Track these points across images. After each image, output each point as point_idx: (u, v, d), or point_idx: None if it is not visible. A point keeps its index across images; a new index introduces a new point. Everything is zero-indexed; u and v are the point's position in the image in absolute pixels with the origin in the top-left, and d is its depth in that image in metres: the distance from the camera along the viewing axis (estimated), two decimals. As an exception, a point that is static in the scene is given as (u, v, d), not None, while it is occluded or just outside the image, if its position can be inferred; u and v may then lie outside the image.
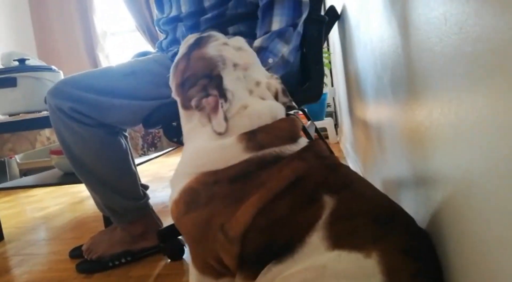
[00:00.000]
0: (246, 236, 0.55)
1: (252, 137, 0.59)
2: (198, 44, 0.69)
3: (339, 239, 0.50)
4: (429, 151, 0.53)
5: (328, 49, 2.77)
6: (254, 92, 0.65)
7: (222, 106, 0.60)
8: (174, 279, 1.00)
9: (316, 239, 0.51)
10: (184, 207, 0.60)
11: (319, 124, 2.69)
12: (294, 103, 0.70)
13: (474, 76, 0.36)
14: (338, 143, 2.88)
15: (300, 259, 0.51)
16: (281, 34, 0.86)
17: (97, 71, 1.06)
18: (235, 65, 0.66)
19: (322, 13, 1.17)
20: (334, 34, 2.18)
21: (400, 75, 0.66)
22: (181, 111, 0.70)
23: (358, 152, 1.63)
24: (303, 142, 0.64)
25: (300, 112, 1.71)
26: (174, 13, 1.06)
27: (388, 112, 0.81)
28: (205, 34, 0.70)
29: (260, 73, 0.69)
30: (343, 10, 1.49)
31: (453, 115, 0.42)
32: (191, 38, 0.73)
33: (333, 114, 3.19)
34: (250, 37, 1.04)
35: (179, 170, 0.65)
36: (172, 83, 0.72)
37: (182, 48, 0.73)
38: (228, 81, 0.63)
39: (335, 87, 2.89)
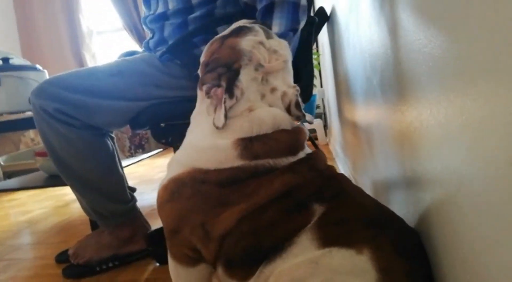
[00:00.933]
0: (227, 239, 0.56)
1: (248, 146, 0.58)
2: (238, 32, 0.67)
3: (329, 239, 0.50)
4: (418, 152, 0.53)
5: (317, 51, 2.78)
6: (266, 98, 0.64)
7: (225, 102, 0.59)
8: (162, 283, 0.98)
9: (305, 239, 0.51)
10: (169, 194, 0.61)
11: (308, 125, 2.69)
12: (308, 119, 0.68)
13: (463, 77, 0.35)
14: (327, 144, 2.89)
15: (288, 258, 0.51)
16: (282, 38, 0.86)
17: (83, 71, 1.04)
18: (258, 66, 0.64)
19: (312, 14, 1.17)
20: (323, 35, 2.18)
21: (390, 77, 0.66)
22: (198, 90, 0.69)
23: (347, 154, 1.64)
24: (302, 154, 0.62)
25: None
26: (161, 9, 1.04)
27: (377, 113, 0.82)
28: (249, 25, 0.69)
29: (282, 81, 0.66)
30: (333, 11, 1.50)
31: (442, 116, 0.42)
32: (239, 23, 0.71)
33: (322, 116, 3.20)
34: None
35: (178, 155, 0.65)
36: (201, 59, 0.71)
37: (227, 30, 0.71)
38: (244, 79, 0.62)
39: (324, 88, 2.91)
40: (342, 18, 1.23)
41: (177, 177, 0.61)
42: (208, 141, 0.61)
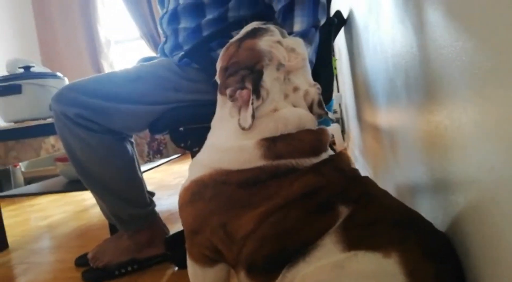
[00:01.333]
0: (249, 243, 0.55)
1: (271, 146, 0.58)
2: (254, 34, 0.67)
3: (354, 242, 0.49)
4: (449, 153, 0.51)
5: (334, 55, 2.76)
6: (289, 98, 0.63)
7: (252, 103, 0.58)
8: (181, 288, 0.97)
9: (329, 243, 0.50)
10: (190, 196, 0.61)
11: (325, 130, 2.66)
12: (330, 116, 0.68)
13: (499, 71, 0.34)
14: (345, 149, 2.86)
15: (312, 262, 0.50)
16: (304, 35, 0.85)
17: (102, 76, 1.05)
18: (279, 66, 0.63)
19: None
20: (340, 39, 2.16)
21: (416, 76, 0.64)
22: (218, 95, 0.68)
23: (367, 158, 1.61)
24: (325, 155, 0.61)
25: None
26: (172, 5, 1.05)
27: (401, 114, 0.79)
28: (264, 26, 0.68)
29: (303, 79, 0.66)
30: (350, 14, 1.48)
31: (476, 114, 0.40)
32: (253, 25, 0.71)
33: (340, 121, 3.17)
34: None
35: (199, 157, 0.65)
36: (218, 65, 0.71)
37: (240, 33, 0.71)
38: (268, 80, 0.62)
39: (342, 93, 2.88)
40: (361, 20, 1.21)
41: (199, 179, 0.61)
42: (231, 142, 0.60)
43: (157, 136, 1.57)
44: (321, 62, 0.98)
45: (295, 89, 0.64)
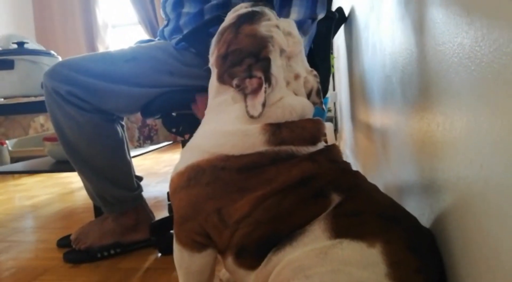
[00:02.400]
0: (242, 227, 0.55)
1: (276, 132, 0.58)
2: (251, 18, 0.65)
3: (341, 230, 0.49)
4: (438, 151, 0.51)
5: (332, 53, 2.76)
6: (290, 85, 0.63)
7: (265, 91, 0.58)
8: (164, 273, 0.97)
9: (318, 229, 0.50)
10: (185, 180, 0.59)
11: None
12: (324, 106, 0.68)
13: (499, 68, 0.34)
14: (335, 148, 2.87)
15: (298, 247, 0.50)
16: (299, 25, 0.84)
17: (97, 55, 1.03)
18: (282, 52, 0.63)
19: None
20: (339, 37, 2.16)
21: (412, 72, 0.64)
22: (214, 83, 0.67)
23: (358, 157, 1.61)
24: (321, 145, 0.62)
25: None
26: None
27: (395, 113, 0.79)
28: (258, 9, 0.67)
29: (302, 65, 0.66)
30: (351, 12, 1.48)
31: (468, 112, 0.40)
32: (242, 7, 0.69)
33: (333, 119, 3.17)
34: None
35: (195, 142, 0.64)
36: (213, 53, 0.68)
37: (230, 17, 0.69)
38: (274, 67, 0.61)
39: (337, 91, 2.88)
40: (362, 18, 1.21)
41: (195, 164, 0.59)
42: (236, 125, 0.59)
43: (149, 121, 1.55)
44: (319, 56, 0.98)
45: (296, 76, 0.64)
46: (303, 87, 0.65)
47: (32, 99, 1.42)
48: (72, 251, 1.11)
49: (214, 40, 0.70)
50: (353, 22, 1.43)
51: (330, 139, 2.87)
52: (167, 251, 1.09)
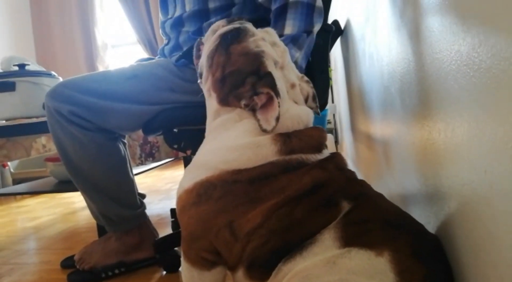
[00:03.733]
0: (254, 239, 0.54)
1: (287, 141, 0.59)
2: (237, 37, 0.64)
3: (350, 239, 0.49)
4: (441, 158, 0.51)
5: (329, 66, 2.79)
6: (289, 94, 0.64)
7: (279, 105, 0.59)
8: (169, 292, 0.96)
9: (328, 238, 0.50)
10: (195, 197, 0.59)
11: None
12: (318, 110, 0.70)
13: (492, 75, 0.34)
14: (337, 159, 2.86)
15: (308, 257, 0.50)
16: (294, 39, 0.85)
17: (98, 74, 1.04)
18: (276, 63, 0.64)
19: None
20: (336, 50, 2.19)
21: (410, 81, 0.64)
22: (214, 107, 0.66)
23: (360, 167, 1.61)
24: (326, 153, 0.63)
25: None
26: (178, 12, 1.05)
27: (395, 122, 0.80)
28: (239, 26, 0.66)
29: (293, 73, 0.68)
30: (347, 24, 1.50)
31: (469, 118, 0.40)
32: (221, 26, 0.69)
33: (333, 131, 3.18)
34: None
35: (201, 159, 0.63)
36: (207, 79, 0.67)
37: (213, 38, 0.68)
38: (277, 80, 0.61)
39: (336, 103, 2.90)
40: (358, 29, 1.23)
41: (204, 180, 0.59)
42: (247, 139, 0.59)
43: (150, 138, 1.56)
44: (318, 69, 0.99)
45: (292, 85, 0.65)
46: (300, 95, 0.66)
47: (34, 120, 1.43)
48: (76, 271, 1.10)
49: (204, 65, 0.68)
50: (349, 34, 1.45)
51: (331, 150, 2.87)
52: (172, 269, 1.08)
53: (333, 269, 0.47)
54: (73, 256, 1.16)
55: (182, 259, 0.62)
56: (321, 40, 0.95)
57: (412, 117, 0.66)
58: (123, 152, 1.08)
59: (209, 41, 0.69)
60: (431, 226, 0.58)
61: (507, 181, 0.33)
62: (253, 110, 0.61)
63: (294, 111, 0.62)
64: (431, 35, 0.51)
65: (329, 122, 3.15)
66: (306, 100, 0.68)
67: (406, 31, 0.64)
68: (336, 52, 2.23)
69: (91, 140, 0.99)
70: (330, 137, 2.90)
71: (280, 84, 0.62)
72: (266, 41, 0.66)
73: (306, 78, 0.69)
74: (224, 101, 0.64)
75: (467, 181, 0.43)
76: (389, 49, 0.79)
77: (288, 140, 0.59)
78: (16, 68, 1.54)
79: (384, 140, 0.96)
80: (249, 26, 0.67)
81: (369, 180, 1.32)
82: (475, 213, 0.42)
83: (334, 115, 3.16)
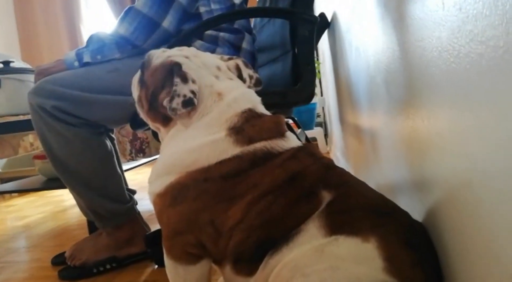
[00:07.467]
0: (236, 234, 0.55)
1: (239, 130, 0.59)
2: (143, 67, 0.69)
3: (336, 227, 0.50)
4: (428, 148, 0.52)
5: (318, 59, 2.80)
6: (220, 76, 0.66)
7: (176, 85, 0.60)
8: (161, 286, 0.96)
9: (312, 227, 0.51)
10: (170, 199, 0.59)
11: (309, 133, 2.68)
12: (258, 75, 0.71)
13: (473, 65, 0.35)
14: (328, 152, 2.88)
15: (295, 247, 0.50)
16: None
17: (79, 70, 1.03)
18: (187, 57, 0.66)
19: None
20: (323, 43, 2.19)
21: (395, 71, 0.65)
22: (163, 132, 0.68)
23: (349, 159, 1.63)
24: (291, 136, 0.63)
25: (291, 121, 1.70)
26: None
27: (382, 113, 0.81)
28: (144, 57, 0.71)
29: (212, 57, 0.70)
30: (334, 17, 1.51)
31: (452, 104, 0.41)
32: (137, 75, 0.74)
33: (323, 124, 3.20)
34: (229, 32, 1.04)
35: (160, 169, 0.63)
36: (144, 115, 0.71)
37: (135, 84, 0.73)
38: (191, 70, 0.63)
39: (325, 97, 2.91)
40: (344, 22, 1.23)
41: (175, 182, 0.59)
42: (201, 139, 0.60)
43: (140, 134, 1.55)
44: (304, 61, 0.99)
45: (218, 68, 0.67)
46: (229, 72, 0.68)
47: (21, 117, 1.41)
48: (68, 268, 1.09)
49: (138, 108, 0.72)
50: (336, 27, 1.46)
51: (321, 144, 2.88)
52: (164, 263, 1.08)
53: (321, 257, 0.47)
54: (64, 253, 1.16)
55: (165, 256, 0.62)
56: (306, 32, 0.95)
57: (397, 106, 0.66)
58: (109, 147, 1.07)
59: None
60: (417, 213, 0.59)
61: (490, 166, 0.34)
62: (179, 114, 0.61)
63: (227, 95, 0.62)
64: (413, 23, 0.52)
65: (319, 116, 3.16)
66: (240, 72, 0.69)
67: (390, 20, 0.65)
68: (324, 46, 2.24)
69: (76, 135, 0.99)
70: (319, 131, 2.92)
71: (197, 73, 0.63)
72: (169, 50, 0.69)
73: (226, 56, 0.72)
74: (164, 120, 0.66)
75: (450, 167, 0.44)
76: (374, 40, 0.80)
77: (240, 129, 0.59)
78: (1, 65, 1.52)
79: (371, 130, 0.97)
80: (153, 51, 0.71)
81: (358, 171, 1.34)
82: (459, 199, 0.43)
83: (323, 108, 3.17)
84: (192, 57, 0.66)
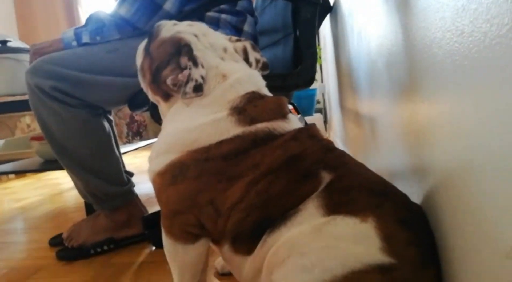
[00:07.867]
0: (235, 213, 0.55)
1: (241, 110, 0.59)
2: (151, 37, 0.68)
3: (334, 206, 0.50)
4: (427, 132, 0.51)
5: (319, 44, 2.77)
6: (226, 58, 0.65)
7: (190, 68, 0.59)
8: (158, 267, 0.96)
9: (311, 207, 0.51)
10: (170, 178, 0.59)
11: (308, 119, 2.67)
12: (265, 59, 0.70)
13: (476, 44, 0.34)
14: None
15: (293, 226, 0.50)
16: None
17: (78, 50, 1.02)
18: (196, 36, 0.65)
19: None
20: (325, 28, 2.17)
21: (397, 54, 0.64)
22: (163, 107, 0.68)
23: (348, 145, 1.63)
24: (293, 118, 0.63)
25: (291, 106, 1.70)
26: None
27: (383, 97, 0.80)
28: (153, 28, 0.70)
29: (221, 37, 0.69)
30: (336, 1, 1.48)
31: (454, 88, 0.41)
32: (143, 42, 0.72)
33: (322, 111, 3.19)
34: (231, 14, 1.03)
35: (161, 147, 0.63)
36: (145, 85, 0.70)
37: (140, 51, 0.72)
38: (198, 51, 0.62)
39: (325, 83, 2.90)
40: (346, 5, 1.21)
41: (176, 161, 0.59)
42: (202, 118, 0.59)
43: (137, 116, 1.54)
44: (305, 43, 0.98)
45: (225, 49, 0.66)
46: (237, 54, 0.67)
47: (18, 98, 1.40)
48: (65, 248, 1.10)
49: (140, 78, 0.71)
50: (338, 11, 1.43)
51: (320, 129, 2.89)
52: (161, 244, 1.08)
53: (319, 236, 0.48)
54: (61, 234, 1.16)
55: (164, 236, 0.62)
56: (308, 14, 0.94)
57: (398, 90, 0.66)
58: (107, 129, 1.06)
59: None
60: (415, 197, 0.59)
61: (489, 150, 0.33)
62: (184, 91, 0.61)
63: (232, 77, 0.62)
64: (417, 4, 0.51)
65: (318, 102, 3.15)
66: (247, 55, 0.68)
67: (393, 2, 0.63)
68: (325, 31, 2.21)
69: (74, 116, 0.98)
70: (319, 117, 2.91)
71: (203, 54, 0.63)
72: (180, 23, 0.68)
73: (234, 37, 0.71)
74: (165, 95, 0.65)
75: (450, 151, 0.43)
76: (377, 23, 0.78)
77: (242, 109, 0.59)
78: (-2, 45, 1.50)
79: (371, 116, 0.96)
80: (164, 21, 0.69)
81: (358, 156, 1.34)
82: (457, 183, 0.43)
83: (323, 94, 3.16)
84: (200, 36, 0.65)
